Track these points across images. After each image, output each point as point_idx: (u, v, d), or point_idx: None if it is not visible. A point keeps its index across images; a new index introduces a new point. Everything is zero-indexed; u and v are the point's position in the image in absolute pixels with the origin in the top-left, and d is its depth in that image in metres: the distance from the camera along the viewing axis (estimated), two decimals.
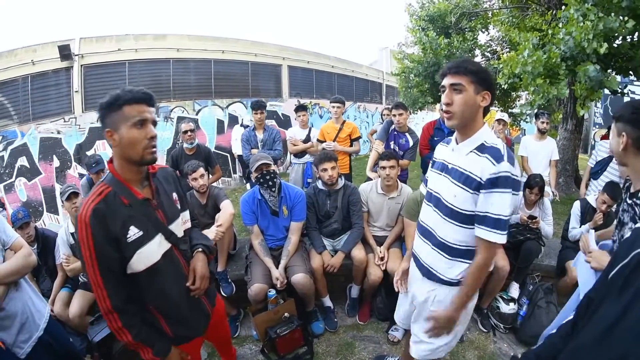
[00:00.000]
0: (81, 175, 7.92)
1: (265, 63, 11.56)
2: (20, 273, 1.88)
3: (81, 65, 8.24)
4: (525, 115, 5.69)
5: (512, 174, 1.48)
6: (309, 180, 4.81)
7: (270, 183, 2.93)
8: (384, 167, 3.16)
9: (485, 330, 3.18)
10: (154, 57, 9.32)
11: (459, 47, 9.00)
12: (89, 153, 8.20)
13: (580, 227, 3.27)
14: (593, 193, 3.61)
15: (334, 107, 4.74)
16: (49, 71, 7.99)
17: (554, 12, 6.43)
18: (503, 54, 9.13)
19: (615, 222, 1.74)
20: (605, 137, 7.46)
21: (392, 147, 4.28)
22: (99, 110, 1.47)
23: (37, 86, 7.92)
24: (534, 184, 3.35)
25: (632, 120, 1.38)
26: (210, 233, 2.89)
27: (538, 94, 5.28)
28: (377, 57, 22.70)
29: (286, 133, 5.32)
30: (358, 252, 3.17)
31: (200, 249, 1.78)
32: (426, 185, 1.91)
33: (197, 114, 9.96)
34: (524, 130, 10.57)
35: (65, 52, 7.83)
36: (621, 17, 4.69)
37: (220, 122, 10.42)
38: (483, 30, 10.04)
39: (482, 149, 1.55)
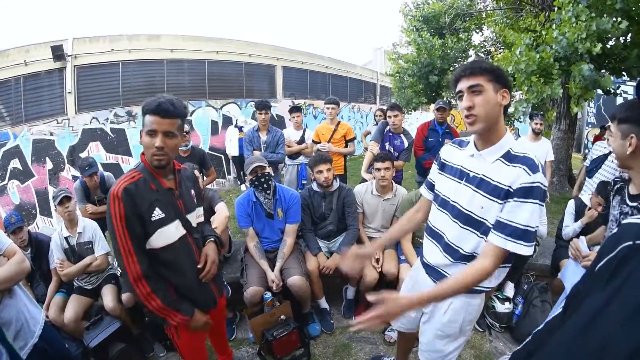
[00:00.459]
0: (74, 178, 7.86)
1: (260, 64, 11.52)
2: (14, 280, 1.87)
3: (74, 66, 8.16)
4: (520, 114, 5.70)
5: (544, 186, 1.41)
6: (304, 181, 4.81)
7: (265, 185, 2.92)
8: (378, 169, 3.16)
9: (481, 329, 3.19)
10: (148, 58, 9.26)
11: (453, 48, 9.03)
12: (82, 155, 8.09)
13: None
14: (588, 192, 3.63)
15: (328, 108, 4.73)
16: (41, 72, 7.89)
17: (548, 13, 6.47)
18: (497, 54, 9.18)
19: (603, 226, 1.72)
20: (598, 138, 7.52)
21: (387, 148, 4.29)
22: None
23: (29, 87, 7.82)
24: None
25: None
26: None
27: (532, 93, 5.31)
28: (371, 57, 22.74)
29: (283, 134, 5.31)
30: None
31: (212, 239, 2.03)
32: (429, 188, 1.85)
33: (190, 115, 9.90)
34: (518, 130, 10.64)
35: (58, 52, 7.74)
36: (614, 19, 4.74)
37: (214, 123, 10.38)
38: (477, 30, 10.11)
39: (510, 157, 1.47)
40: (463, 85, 1.45)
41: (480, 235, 1.52)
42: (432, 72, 9.35)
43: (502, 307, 3.17)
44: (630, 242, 0.85)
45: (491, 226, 1.47)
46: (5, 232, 2.65)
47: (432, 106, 5.92)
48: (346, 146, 4.82)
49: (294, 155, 4.89)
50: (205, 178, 4.16)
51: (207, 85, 10.31)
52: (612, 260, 0.88)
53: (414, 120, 17.49)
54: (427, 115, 17.24)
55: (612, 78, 5.57)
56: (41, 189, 8.00)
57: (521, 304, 3.19)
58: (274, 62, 11.95)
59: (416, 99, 10.71)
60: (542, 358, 1.00)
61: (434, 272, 1.74)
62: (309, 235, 3.31)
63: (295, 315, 3.01)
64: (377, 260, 3.16)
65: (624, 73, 5.80)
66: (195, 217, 1.94)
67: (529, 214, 1.38)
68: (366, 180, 3.97)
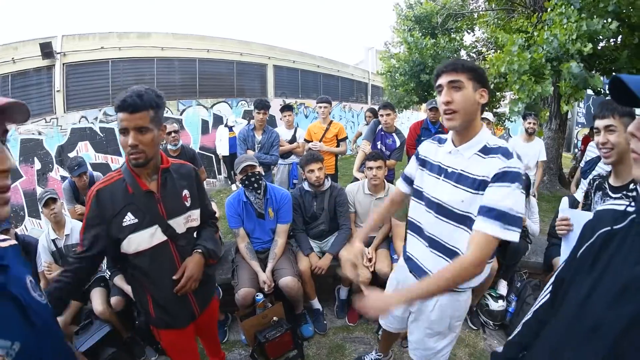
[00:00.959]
0: (63, 178, 7.73)
1: (251, 62, 11.49)
2: None
3: (63, 64, 8.06)
4: (514, 114, 5.74)
5: (522, 172, 1.43)
6: (295, 181, 4.78)
7: (255, 185, 2.88)
8: (370, 168, 3.15)
9: (475, 327, 3.20)
10: (138, 56, 9.18)
11: (445, 47, 9.05)
12: (71, 155, 8.00)
13: None
14: (582, 190, 3.67)
15: (320, 107, 4.71)
16: (30, 70, 7.77)
17: (540, 14, 6.51)
18: (489, 54, 9.23)
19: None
20: (587, 138, 7.59)
21: (379, 147, 4.28)
22: None
23: (17, 85, 7.69)
24: None
25: None
26: None
27: (523, 92, 5.35)
28: (363, 57, 22.75)
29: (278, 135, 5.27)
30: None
31: (199, 250, 1.81)
32: (407, 182, 1.86)
33: (181, 114, 9.84)
34: (508, 129, 10.70)
35: (47, 49, 7.63)
36: (605, 20, 4.79)
37: (204, 123, 10.32)
38: (469, 31, 10.13)
39: (486, 150, 1.51)
40: (444, 80, 1.49)
41: (465, 229, 1.53)
42: (423, 71, 9.35)
43: (496, 305, 3.18)
44: (608, 228, 0.91)
45: (475, 218, 1.45)
46: None
47: (424, 105, 5.92)
48: (338, 145, 4.80)
49: (285, 155, 4.86)
50: None
51: (197, 84, 10.24)
52: (591, 246, 0.94)
53: (405, 120, 17.54)
54: (417, 114, 17.30)
55: (602, 78, 5.63)
56: (29, 189, 7.86)
57: (514, 301, 3.21)
58: (266, 61, 11.91)
59: (407, 98, 10.70)
60: (538, 347, 1.04)
61: (418, 269, 1.74)
62: (300, 236, 3.28)
63: (288, 316, 2.98)
64: (370, 260, 3.14)
65: (614, 73, 5.85)
66: (184, 221, 1.77)
67: (510, 197, 1.37)
68: (358, 179, 3.96)
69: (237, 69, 11.10)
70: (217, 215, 3.13)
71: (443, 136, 1.72)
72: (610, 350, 0.76)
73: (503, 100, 9.80)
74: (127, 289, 2.82)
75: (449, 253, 1.60)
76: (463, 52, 10.20)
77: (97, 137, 8.63)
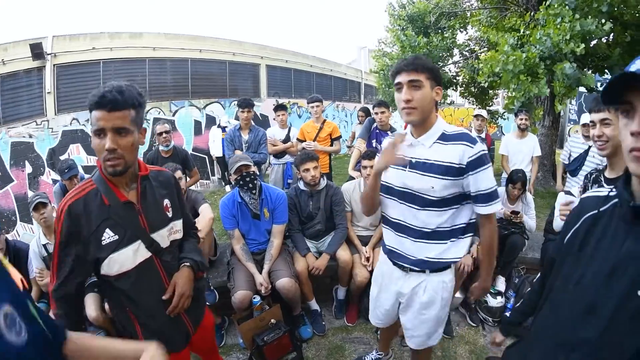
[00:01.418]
0: (55, 182, 7.64)
1: (244, 62, 11.43)
2: None
3: (54, 65, 7.94)
4: (511, 111, 5.77)
5: (486, 150, 1.65)
6: (289, 181, 4.75)
7: (250, 185, 2.84)
8: (366, 167, 3.12)
9: (474, 324, 3.21)
10: (130, 57, 9.08)
11: (438, 46, 9.06)
12: (62, 158, 7.89)
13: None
14: (577, 186, 3.67)
15: (312, 106, 4.69)
16: (20, 71, 7.64)
17: (532, 13, 6.53)
18: (481, 53, 9.25)
19: None
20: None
21: (374, 145, 4.26)
22: None
23: (7, 87, 7.56)
24: (517, 179, 3.38)
25: None
26: None
27: (519, 91, 5.37)
28: (356, 56, 22.78)
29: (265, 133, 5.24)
30: (343, 253, 3.13)
31: (187, 264, 1.63)
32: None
33: (173, 115, 9.76)
34: (501, 127, 10.74)
35: (37, 50, 7.50)
36: (598, 21, 4.82)
37: (197, 123, 10.25)
38: (461, 30, 10.14)
39: (446, 137, 1.66)
40: (403, 78, 1.59)
41: (440, 211, 1.70)
42: None
43: (495, 302, 3.20)
44: (595, 211, 0.99)
45: (445, 200, 1.68)
46: None
47: None
48: (332, 145, 4.77)
49: (279, 155, 4.83)
50: (188, 179, 4.06)
51: (190, 84, 10.17)
52: (578, 231, 1.02)
53: (399, 118, 17.53)
54: None
55: (594, 76, 5.68)
56: (21, 194, 7.73)
57: (513, 297, 3.23)
58: (258, 60, 11.86)
59: None
60: (533, 334, 1.13)
61: (401, 258, 1.86)
62: (297, 236, 3.25)
63: (286, 318, 2.95)
64: (368, 259, 3.13)
65: (606, 71, 5.90)
66: (168, 234, 1.58)
67: (486, 179, 1.64)
68: (354, 178, 3.94)
69: (229, 69, 11.04)
70: (211, 216, 3.10)
71: (402, 131, 1.90)
72: (607, 323, 0.83)
73: (496, 98, 9.82)
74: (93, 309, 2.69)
75: (428, 236, 1.75)
76: (456, 51, 10.23)
77: (89, 139, 8.45)
